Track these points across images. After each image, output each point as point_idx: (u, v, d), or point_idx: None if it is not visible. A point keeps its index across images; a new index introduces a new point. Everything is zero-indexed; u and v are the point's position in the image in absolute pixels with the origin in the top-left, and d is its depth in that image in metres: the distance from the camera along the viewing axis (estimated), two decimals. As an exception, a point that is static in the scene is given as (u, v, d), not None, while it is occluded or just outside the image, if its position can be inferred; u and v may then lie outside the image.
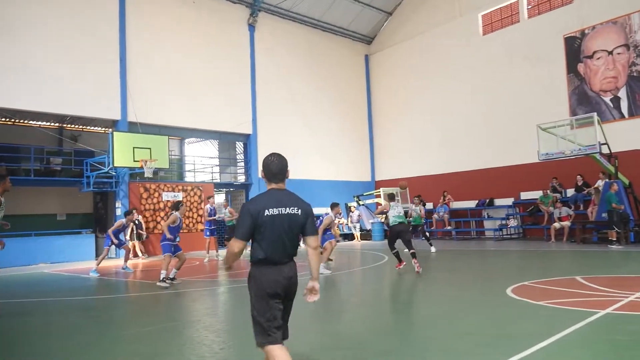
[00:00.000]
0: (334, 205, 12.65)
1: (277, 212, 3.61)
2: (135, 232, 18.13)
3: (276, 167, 3.75)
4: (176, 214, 10.55)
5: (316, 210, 21.37)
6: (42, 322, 7.32)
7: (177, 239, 10.51)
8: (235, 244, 3.60)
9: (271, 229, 3.59)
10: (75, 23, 18.18)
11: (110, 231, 13.93)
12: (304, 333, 5.88)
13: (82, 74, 18.11)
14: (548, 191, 19.40)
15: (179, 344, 5.65)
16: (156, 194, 19.64)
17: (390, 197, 12.31)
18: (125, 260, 14.29)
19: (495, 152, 22.17)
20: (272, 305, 3.57)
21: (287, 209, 3.65)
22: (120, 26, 19.20)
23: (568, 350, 4.85)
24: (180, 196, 20.24)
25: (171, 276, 10.57)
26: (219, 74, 22.13)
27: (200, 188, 21.11)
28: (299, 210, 3.70)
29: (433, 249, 16.28)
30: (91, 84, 18.30)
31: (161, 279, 10.35)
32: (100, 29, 18.77)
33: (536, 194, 20.11)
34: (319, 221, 12.75)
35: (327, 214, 12.72)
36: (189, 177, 25.45)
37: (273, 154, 3.82)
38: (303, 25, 25.74)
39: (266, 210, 3.59)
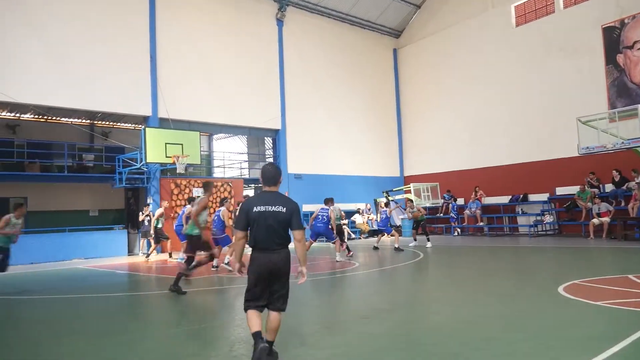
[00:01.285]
0: (327, 201, 14.46)
1: (264, 209, 4.54)
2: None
3: (269, 173, 4.72)
4: (224, 209, 12.33)
5: (345, 206, 21.25)
6: (87, 319, 7.26)
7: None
8: (235, 233, 4.77)
9: (258, 222, 4.53)
10: (106, 20, 18.25)
11: (184, 216, 14.04)
12: (356, 335, 5.70)
13: (114, 71, 18.18)
14: (585, 186, 18.87)
15: (229, 344, 5.50)
16: (187, 190, 19.63)
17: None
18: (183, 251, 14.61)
19: (529, 146, 21.65)
20: (256, 282, 4.54)
21: (273, 207, 4.55)
22: (150, 23, 19.22)
23: (645, 355, 4.58)
24: (210, 192, 20.17)
25: (215, 264, 12.03)
26: (248, 70, 22.05)
27: (230, 184, 21.06)
28: (284, 208, 4.58)
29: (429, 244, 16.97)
30: (122, 81, 18.37)
31: (226, 262, 12.08)
32: (131, 26, 18.83)
33: (572, 189, 19.57)
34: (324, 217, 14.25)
35: (328, 208, 14.34)
36: (217, 173, 25.48)
37: (270, 164, 4.87)
38: (331, 19, 25.49)
39: (255, 207, 4.56)
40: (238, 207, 17.40)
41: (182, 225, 12.10)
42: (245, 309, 4.62)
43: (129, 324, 6.87)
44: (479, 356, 4.65)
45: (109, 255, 17.74)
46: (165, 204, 17.18)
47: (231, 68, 21.47)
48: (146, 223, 18.34)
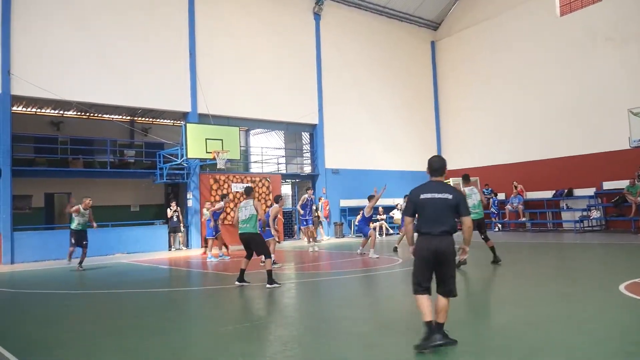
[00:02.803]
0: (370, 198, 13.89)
1: (430, 196, 4.79)
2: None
3: (437, 164, 4.98)
4: (276, 206, 12.27)
5: (383, 201, 21.01)
6: (137, 315, 7.28)
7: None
8: (405, 219, 5.06)
9: (425, 208, 4.80)
10: (146, 17, 18.45)
11: (210, 212, 14.75)
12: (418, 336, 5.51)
13: (154, 68, 18.37)
14: (635, 180, 18.16)
15: (283, 342, 5.40)
16: (226, 185, 19.70)
17: (465, 180, 11.37)
18: (220, 248, 14.92)
19: (573, 139, 20.95)
20: (421, 266, 4.81)
21: (439, 194, 4.77)
22: (189, 18, 19.33)
23: None
24: (248, 187, 20.22)
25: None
26: (285, 64, 21.98)
27: (268, 179, 21.06)
28: (450, 196, 4.77)
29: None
30: (163, 77, 18.55)
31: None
32: (171, 22, 18.98)
33: (621, 184, 18.85)
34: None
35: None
36: (254, 169, 25.52)
37: (436, 156, 5.11)
38: (368, 12, 25.19)
39: (422, 195, 4.83)
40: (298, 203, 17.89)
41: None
42: (414, 292, 4.85)
43: (179, 321, 6.83)
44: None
45: (150, 250, 17.95)
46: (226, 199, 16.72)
47: (268, 63, 21.44)
48: (175, 219, 18.52)
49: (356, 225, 17.08)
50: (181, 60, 19.10)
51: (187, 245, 19.19)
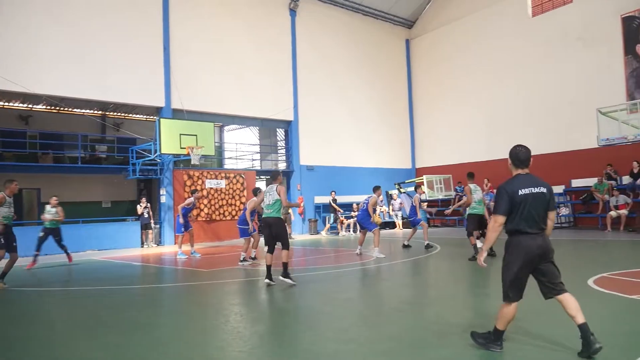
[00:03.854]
0: (376, 189, 13.01)
1: (528, 192, 4.36)
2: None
3: (524, 155, 4.55)
4: (255, 199, 11.54)
5: (357, 198, 21.17)
6: (112, 312, 7.17)
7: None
8: (496, 219, 4.41)
9: (525, 205, 4.33)
10: (119, 10, 18.11)
11: (180, 208, 14.41)
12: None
13: (127, 61, 18.07)
14: (603, 178, 18.62)
15: (259, 337, 5.39)
16: (200, 181, 19.54)
17: (470, 177, 11.58)
18: (191, 245, 14.56)
19: (544, 138, 21.35)
20: (524, 269, 4.35)
21: (537, 188, 4.38)
22: (164, 13, 19.07)
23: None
24: (223, 184, 20.12)
25: (252, 255, 12.01)
26: (261, 60, 21.87)
27: (243, 175, 20.96)
28: (545, 189, 4.41)
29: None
30: (136, 71, 18.26)
31: (241, 259, 11.65)
32: (144, 15, 18.69)
33: (589, 182, 19.33)
34: (364, 204, 12.88)
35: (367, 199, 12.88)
36: (229, 165, 25.36)
37: (521, 145, 4.63)
38: (344, 9, 25.24)
39: (520, 190, 4.36)
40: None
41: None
42: (511, 300, 4.40)
43: (155, 317, 6.77)
44: (525, 353, 4.51)
45: (122, 246, 17.69)
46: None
47: (243, 58, 21.30)
48: (145, 215, 18.28)
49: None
50: (155, 55, 18.83)
51: (160, 242, 18.97)
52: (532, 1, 22.42)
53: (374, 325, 5.76)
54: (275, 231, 8.73)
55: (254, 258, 12.21)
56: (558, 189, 20.62)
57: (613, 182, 18.45)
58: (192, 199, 14.66)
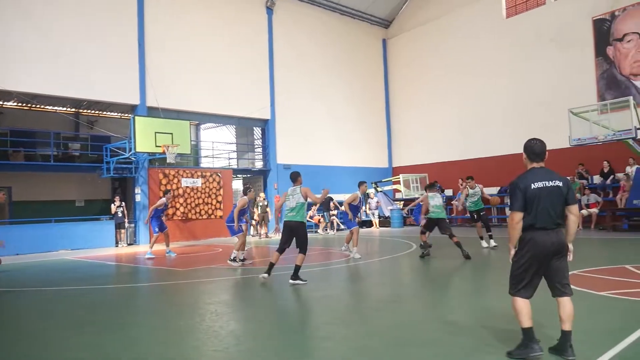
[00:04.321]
0: (361, 183, 12.88)
1: (542, 185, 4.22)
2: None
3: (539, 148, 4.40)
4: (245, 198, 11.39)
5: (335, 197, 21.18)
6: (86, 312, 7.06)
7: (242, 221, 11.56)
8: (514, 216, 4.24)
9: (539, 199, 4.18)
10: (93, 5, 17.82)
11: (151, 209, 14.12)
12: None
13: (101, 58, 17.80)
14: (575, 178, 18.99)
15: (236, 337, 5.37)
16: (175, 180, 19.36)
17: (430, 187, 12.36)
18: (167, 244, 14.34)
19: (519, 137, 21.34)
20: (537, 265, 4.22)
21: (551, 182, 4.23)
22: (138, 9, 18.82)
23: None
24: (199, 182, 19.96)
25: (241, 257, 11.41)
26: (238, 58, 21.76)
27: (219, 174, 20.83)
28: (561, 183, 4.26)
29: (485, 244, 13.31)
30: (110, 68, 18.00)
31: (232, 258, 11.17)
32: (118, 11, 18.41)
33: (561, 181, 19.67)
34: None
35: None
36: (205, 163, 25.17)
37: (535, 138, 4.46)
38: (321, 8, 25.26)
39: (533, 184, 4.22)
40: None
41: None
42: (514, 294, 4.32)
43: (130, 317, 6.69)
44: (499, 350, 4.57)
45: (96, 246, 17.43)
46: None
47: (220, 56, 21.17)
48: (119, 214, 18.05)
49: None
50: (130, 51, 18.58)
51: (134, 241, 18.75)
52: (507, 2, 22.76)
53: (350, 323, 5.79)
54: (296, 235, 8.62)
55: (243, 260, 11.55)
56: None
57: (584, 182, 18.85)
58: (164, 199, 14.22)
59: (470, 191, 12.87)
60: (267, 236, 20.23)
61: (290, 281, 8.39)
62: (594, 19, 19.50)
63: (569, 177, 18.87)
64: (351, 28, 26.82)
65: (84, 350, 5.05)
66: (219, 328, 5.76)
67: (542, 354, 4.14)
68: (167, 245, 14.35)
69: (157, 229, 14.04)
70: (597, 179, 19.02)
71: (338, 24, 26.13)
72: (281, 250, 8.68)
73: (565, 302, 4.26)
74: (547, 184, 4.21)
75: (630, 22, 18.61)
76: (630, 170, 17.29)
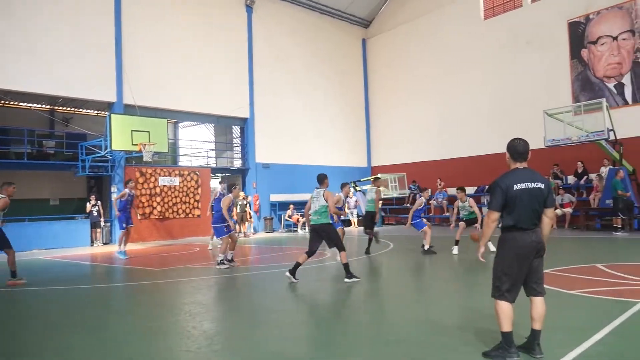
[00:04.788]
0: (343, 185, 12.47)
1: (525, 186, 4.19)
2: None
3: (522, 148, 4.34)
4: (230, 196, 10.98)
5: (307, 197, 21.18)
6: (61, 312, 6.96)
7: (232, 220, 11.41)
8: (490, 215, 4.26)
9: (521, 200, 4.17)
10: (69, 3, 17.55)
11: (115, 201, 13.60)
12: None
13: (77, 55, 17.56)
14: (550, 178, 19.28)
15: (208, 337, 5.35)
16: (152, 179, 19.18)
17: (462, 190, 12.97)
18: (124, 243, 13.26)
19: (495, 138, 21.91)
20: (519, 265, 4.20)
21: (533, 183, 4.21)
22: (115, 6, 18.59)
23: (628, 342, 4.68)
24: (177, 181, 19.81)
25: (229, 257, 10.98)
26: (216, 56, 21.63)
27: (197, 173, 20.70)
28: (543, 185, 4.24)
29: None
30: (86, 65, 17.76)
31: (219, 261, 10.67)
32: (95, 7, 18.16)
33: (537, 181, 19.95)
34: None
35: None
36: (183, 162, 25.00)
37: (519, 138, 4.42)
38: (301, 7, 25.24)
39: (515, 185, 4.18)
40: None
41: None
42: (498, 298, 4.24)
43: (103, 318, 6.61)
44: (470, 348, 4.63)
45: (71, 245, 17.19)
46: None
47: (199, 54, 21.02)
48: (94, 213, 17.82)
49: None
50: (106, 48, 18.34)
51: (110, 240, 18.52)
52: (485, 4, 23.00)
53: (323, 323, 5.81)
54: (325, 237, 8.58)
55: (232, 260, 11.10)
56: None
57: (559, 182, 19.14)
58: (126, 189, 13.30)
59: (460, 204, 13.04)
60: (245, 235, 20.14)
61: (346, 280, 8.31)
62: (569, 21, 19.82)
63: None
64: (331, 27, 26.86)
65: (52, 353, 4.99)
66: (191, 328, 5.73)
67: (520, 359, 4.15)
68: (122, 245, 13.10)
69: (123, 224, 13.14)
70: (571, 179, 19.35)
71: (318, 23, 26.14)
72: (310, 253, 8.61)
73: (538, 302, 4.29)
74: (529, 186, 4.19)
75: (604, 26, 18.95)
76: (604, 170, 17.62)
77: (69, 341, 5.36)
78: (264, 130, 23.21)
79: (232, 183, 12.31)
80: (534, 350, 4.23)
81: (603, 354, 4.31)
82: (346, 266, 8.45)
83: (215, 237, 11.82)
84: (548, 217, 4.31)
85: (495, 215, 4.25)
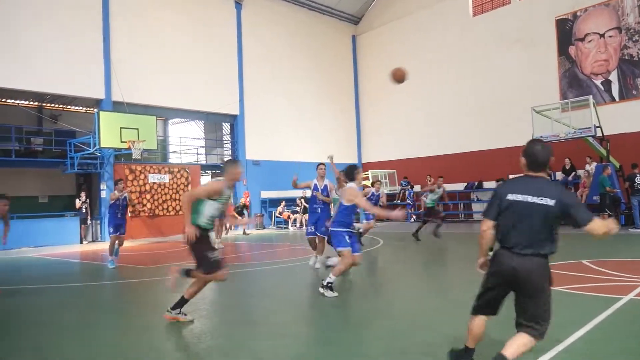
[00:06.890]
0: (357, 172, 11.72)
1: (521, 199, 3.50)
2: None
3: (542, 156, 3.57)
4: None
5: (306, 193, 21.16)
6: (48, 311, 6.95)
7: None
8: (484, 222, 3.67)
9: (510, 212, 3.53)
10: (56, -3, 17.43)
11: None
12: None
13: (65, 51, 17.43)
14: (538, 174, 19.40)
15: (196, 335, 5.37)
16: (142, 176, 19.12)
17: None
18: (115, 253, 11.73)
19: (484, 134, 22.12)
20: (490, 286, 3.65)
21: (535, 197, 3.45)
22: (103, 2, 18.45)
23: (610, 337, 4.75)
24: (166, 178, 19.76)
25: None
26: (206, 53, 21.56)
27: (187, 170, 20.65)
28: (552, 201, 3.40)
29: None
30: (74, 62, 17.63)
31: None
32: (83, 5, 18.02)
33: (525, 177, 20.10)
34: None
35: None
36: (173, 159, 24.92)
37: (539, 141, 3.72)
38: (290, 4, 25.20)
39: (510, 194, 3.55)
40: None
41: None
42: (472, 312, 3.81)
43: (90, 316, 6.61)
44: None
45: (61, 243, 17.10)
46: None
47: (188, 51, 20.94)
48: (83, 210, 17.75)
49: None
50: (94, 45, 18.22)
51: (99, 238, 18.45)
52: (473, 1, 23.09)
53: (310, 320, 5.85)
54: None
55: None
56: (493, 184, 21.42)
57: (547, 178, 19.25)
58: (115, 192, 11.89)
59: (437, 189, 13.45)
60: (244, 233, 20.06)
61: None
62: (557, 18, 19.95)
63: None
64: (320, 24, 26.84)
65: (38, 351, 4.98)
66: (180, 327, 5.75)
67: None
68: (112, 253, 11.44)
69: (111, 229, 11.59)
70: (559, 176, 19.49)
71: (307, 20, 26.12)
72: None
73: (523, 336, 3.49)
74: (528, 199, 3.45)
75: (591, 23, 19.10)
76: (591, 167, 17.77)
77: (52, 341, 5.36)
78: (254, 127, 23.18)
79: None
80: None
81: (585, 350, 4.38)
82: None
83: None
84: (594, 234, 3.33)
85: (488, 223, 3.63)
